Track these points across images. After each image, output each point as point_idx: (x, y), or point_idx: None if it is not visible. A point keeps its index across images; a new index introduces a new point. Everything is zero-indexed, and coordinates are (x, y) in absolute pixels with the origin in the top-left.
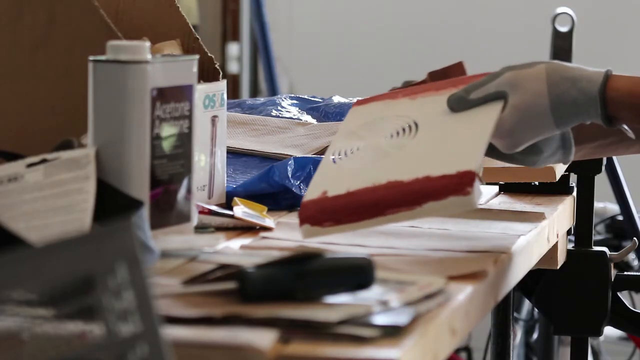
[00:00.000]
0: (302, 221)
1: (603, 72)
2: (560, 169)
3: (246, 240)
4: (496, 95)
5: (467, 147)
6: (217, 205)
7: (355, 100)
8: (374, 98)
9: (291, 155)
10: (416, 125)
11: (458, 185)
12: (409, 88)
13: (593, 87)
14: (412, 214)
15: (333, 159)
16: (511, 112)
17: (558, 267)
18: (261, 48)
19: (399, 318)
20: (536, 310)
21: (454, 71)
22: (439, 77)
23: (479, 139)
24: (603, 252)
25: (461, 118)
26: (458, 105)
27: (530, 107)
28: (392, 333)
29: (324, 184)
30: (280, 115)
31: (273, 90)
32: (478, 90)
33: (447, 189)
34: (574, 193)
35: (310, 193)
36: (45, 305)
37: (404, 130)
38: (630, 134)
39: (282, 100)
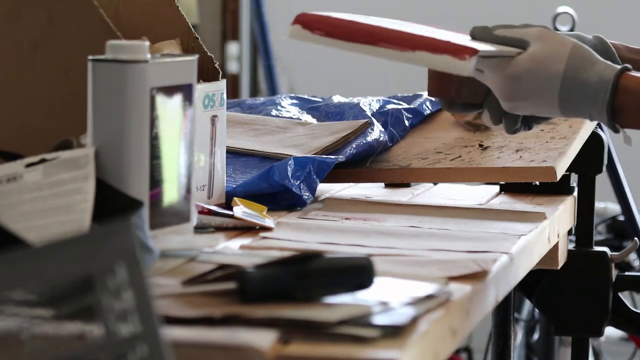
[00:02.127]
0: (294, 22)
1: (621, 65)
2: (561, 169)
3: (246, 240)
4: (519, 42)
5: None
6: (217, 205)
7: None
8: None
9: (291, 155)
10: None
11: (458, 49)
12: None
13: (609, 73)
14: (402, 55)
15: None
16: (526, 58)
17: (559, 268)
18: (261, 48)
19: (399, 318)
20: (537, 310)
21: None
22: None
23: (487, 46)
24: (604, 253)
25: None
26: (481, 33)
27: (545, 64)
28: (392, 333)
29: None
30: (280, 115)
31: (273, 90)
32: (505, 30)
33: (445, 47)
34: (575, 193)
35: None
36: (44, 305)
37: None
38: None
39: (282, 100)
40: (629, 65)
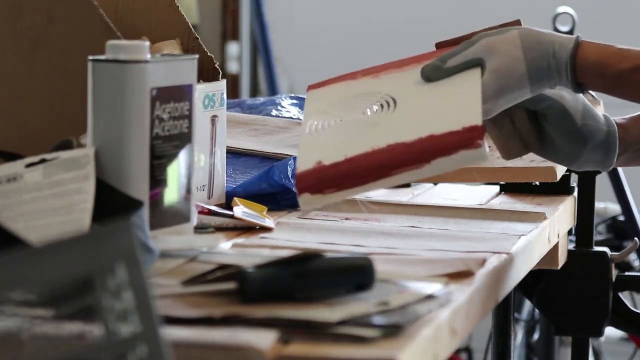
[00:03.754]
0: (301, 191)
1: (574, 37)
2: (561, 169)
3: (246, 241)
4: (473, 62)
5: (464, 105)
6: (217, 205)
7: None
8: (329, 81)
9: (291, 155)
10: (393, 99)
11: (468, 139)
12: (367, 68)
13: (564, 52)
14: (420, 172)
15: (309, 132)
16: (492, 77)
17: (559, 268)
18: (261, 48)
19: (399, 318)
20: (537, 310)
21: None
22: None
23: (473, 98)
24: (604, 253)
25: (440, 86)
26: (434, 74)
27: (509, 71)
28: (392, 333)
29: (315, 155)
30: (280, 115)
31: (273, 90)
32: (454, 58)
33: (456, 144)
34: (575, 193)
35: (302, 165)
36: (44, 305)
37: (382, 105)
38: (597, 101)
39: (282, 100)
40: (579, 37)
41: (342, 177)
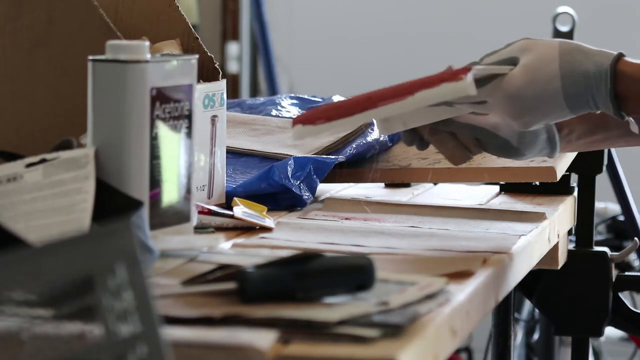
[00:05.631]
0: (295, 122)
1: (616, 53)
2: (561, 169)
3: (246, 241)
4: (508, 61)
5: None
6: (217, 205)
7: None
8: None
9: (291, 155)
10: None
11: (452, 75)
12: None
13: (605, 60)
14: (404, 104)
15: None
16: (520, 71)
17: (559, 268)
18: (261, 48)
19: (399, 318)
20: (537, 310)
21: None
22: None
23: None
24: (604, 253)
25: None
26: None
27: (540, 69)
28: (392, 333)
29: None
30: (280, 115)
31: (273, 90)
32: (491, 56)
33: (440, 78)
34: (575, 193)
35: None
36: (44, 305)
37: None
38: (635, 129)
39: (282, 100)
40: (621, 53)
41: (331, 109)
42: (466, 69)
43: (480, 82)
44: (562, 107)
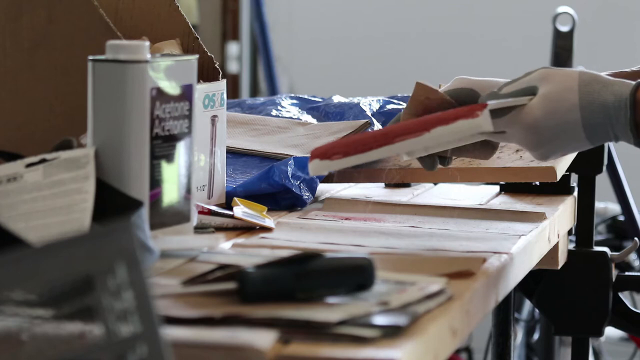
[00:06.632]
0: (312, 157)
1: (634, 82)
2: (561, 169)
3: (246, 241)
4: (527, 90)
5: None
6: (217, 205)
7: (355, 100)
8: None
9: (291, 155)
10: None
11: (468, 111)
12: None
13: (625, 89)
14: (420, 140)
15: None
16: (538, 101)
17: (559, 268)
18: (261, 48)
19: (399, 318)
20: (537, 310)
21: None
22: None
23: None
24: (604, 253)
25: None
26: (488, 99)
27: (559, 100)
28: (392, 333)
29: None
30: (280, 115)
31: (273, 90)
32: (510, 85)
33: (456, 114)
34: (575, 193)
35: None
36: (44, 305)
37: None
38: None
39: (282, 100)
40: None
41: (349, 145)
42: (482, 105)
43: (498, 112)
44: (580, 138)
